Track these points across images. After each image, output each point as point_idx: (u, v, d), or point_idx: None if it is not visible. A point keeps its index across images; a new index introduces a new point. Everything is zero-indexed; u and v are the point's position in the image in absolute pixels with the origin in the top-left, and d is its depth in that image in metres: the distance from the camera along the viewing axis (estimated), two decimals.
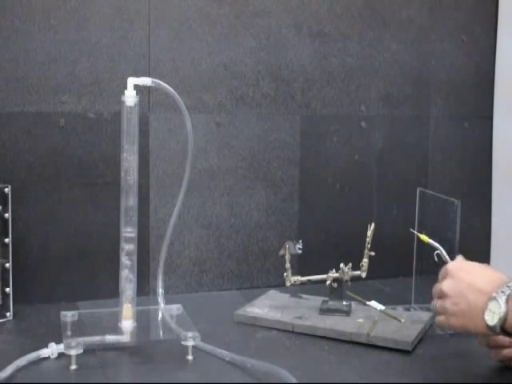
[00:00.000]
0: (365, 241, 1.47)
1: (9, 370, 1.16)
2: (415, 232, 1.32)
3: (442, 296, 1.10)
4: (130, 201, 1.28)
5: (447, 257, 1.24)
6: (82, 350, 1.21)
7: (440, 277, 1.14)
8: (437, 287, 1.13)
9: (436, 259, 1.24)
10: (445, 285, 1.10)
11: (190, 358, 1.25)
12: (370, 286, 1.66)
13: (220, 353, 1.26)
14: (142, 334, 1.32)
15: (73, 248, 1.57)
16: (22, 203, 1.51)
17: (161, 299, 1.39)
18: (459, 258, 1.17)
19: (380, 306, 1.50)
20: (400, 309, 1.50)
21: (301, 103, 1.74)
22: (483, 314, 1.02)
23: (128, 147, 1.27)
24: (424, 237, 1.28)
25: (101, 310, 1.40)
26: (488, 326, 1.02)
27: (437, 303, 1.12)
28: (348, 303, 1.48)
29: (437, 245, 1.26)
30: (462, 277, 1.08)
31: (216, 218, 1.69)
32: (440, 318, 1.11)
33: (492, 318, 1.01)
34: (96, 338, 1.25)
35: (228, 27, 1.66)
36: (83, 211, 1.57)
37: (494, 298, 1.00)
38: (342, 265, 1.46)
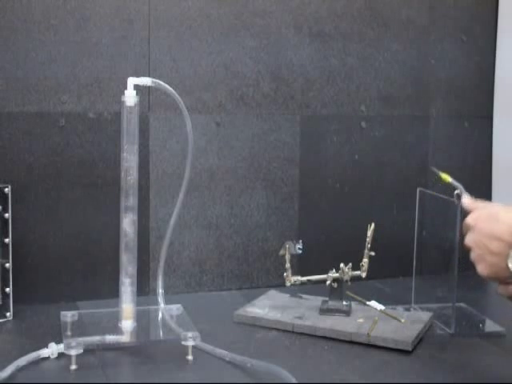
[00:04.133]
0: (365, 241, 1.47)
1: (9, 370, 1.16)
2: (436, 170, 1.30)
3: (469, 249, 1.12)
4: (129, 201, 1.28)
5: (466, 197, 1.23)
6: (81, 350, 1.21)
7: (463, 230, 1.15)
8: (464, 243, 1.15)
9: (455, 199, 1.24)
10: (467, 239, 1.12)
11: (190, 358, 1.25)
12: (370, 286, 1.66)
13: (220, 353, 1.26)
14: (142, 334, 1.32)
15: (73, 248, 1.57)
16: (22, 203, 1.51)
17: (161, 299, 1.39)
18: (473, 204, 1.17)
19: (380, 306, 1.50)
20: (400, 309, 1.50)
21: (301, 103, 1.74)
22: (506, 261, 1.05)
23: (128, 147, 1.27)
24: (445, 175, 1.27)
25: (101, 310, 1.40)
26: None
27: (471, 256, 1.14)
28: (348, 303, 1.48)
29: (457, 184, 1.26)
30: (480, 228, 1.10)
31: (216, 217, 1.69)
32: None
33: None
34: (96, 338, 1.25)
35: (228, 27, 1.66)
36: (83, 211, 1.57)
37: None
38: (342, 265, 1.46)
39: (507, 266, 1.05)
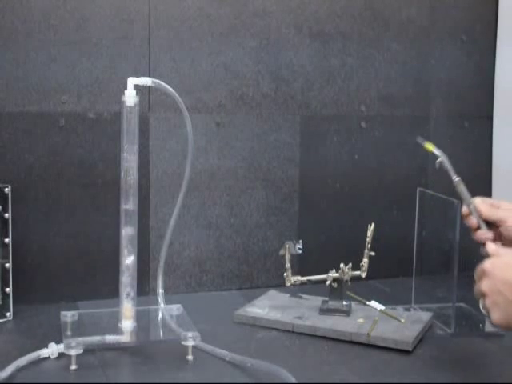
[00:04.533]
0: (365, 241, 1.47)
1: (9, 369, 1.16)
2: (421, 141, 1.31)
3: (483, 296, 1.11)
4: (129, 201, 1.28)
5: (450, 164, 1.23)
6: (81, 350, 1.21)
7: (476, 276, 1.14)
8: (476, 288, 1.13)
9: (437, 167, 1.25)
10: (483, 285, 1.11)
11: (190, 358, 1.25)
12: (370, 286, 1.66)
13: (220, 353, 1.26)
14: (142, 334, 1.32)
15: (73, 248, 1.57)
16: (22, 203, 1.51)
17: (161, 299, 1.40)
18: (493, 254, 1.16)
19: (380, 306, 1.50)
20: (400, 309, 1.50)
21: (301, 103, 1.74)
22: None
23: (128, 147, 1.27)
24: (429, 144, 1.28)
25: (101, 310, 1.40)
26: None
27: (482, 303, 1.13)
28: (348, 303, 1.48)
29: (441, 153, 1.26)
30: (496, 274, 1.09)
31: (216, 217, 1.69)
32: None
33: None
34: (96, 338, 1.25)
35: (228, 27, 1.66)
36: (83, 211, 1.57)
37: None
38: (342, 265, 1.46)
39: None
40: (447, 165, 1.25)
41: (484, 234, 1.20)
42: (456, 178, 1.26)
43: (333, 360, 1.27)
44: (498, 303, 1.07)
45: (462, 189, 1.25)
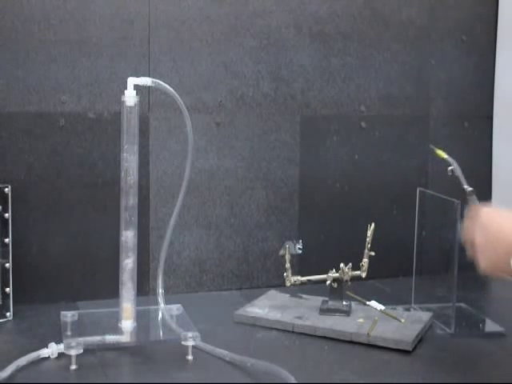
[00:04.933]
0: (365, 241, 1.47)
1: (9, 370, 1.16)
2: (433, 147, 1.32)
3: (472, 243, 1.14)
4: (129, 201, 1.28)
5: (461, 172, 1.24)
6: (81, 350, 1.21)
7: (466, 228, 1.16)
8: (465, 236, 1.16)
9: (449, 174, 1.26)
10: (472, 233, 1.13)
11: (190, 358, 1.25)
12: (370, 286, 1.66)
13: (220, 353, 1.26)
14: (142, 334, 1.32)
15: (73, 248, 1.57)
16: (22, 203, 1.51)
17: (161, 299, 1.39)
18: (479, 207, 1.19)
19: (380, 306, 1.50)
20: (400, 309, 1.50)
21: (301, 103, 1.74)
22: (509, 259, 1.06)
23: (128, 147, 1.27)
24: (440, 151, 1.29)
25: (101, 310, 1.40)
26: None
27: (469, 251, 1.15)
28: (348, 303, 1.48)
29: (452, 160, 1.27)
30: (485, 223, 1.12)
31: (216, 217, 1.69)
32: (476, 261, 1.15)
33: None
34: (96, 338, 1.25)
35: (228, 27, 1.66)
36: (83, 211, 1.57)
37: None
38: (342, 265, 1.46)
39: (508, 263, 1.06)
40: (459, 173, 1.25)
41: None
42: (468, 188, 1.25)
43: (333, 360, 1.27)
44: (485, 250, 1.10)
45: (474, 200, 1.25)
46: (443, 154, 1.29)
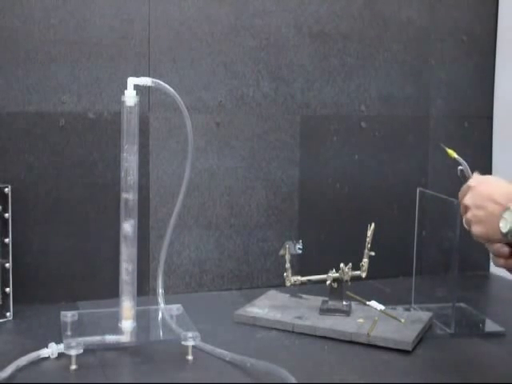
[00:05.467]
0: (365, 241, 1.47)
1: (9, 369, 1.16)
2: (443, 146, 1.33)
3: (466, 209, 1.16)
4: (130, 201, 1.28)
5: (470, 172, 1.26)
6: (81, 350, 1.21)
7: (461, 194, 1.19)
8: (461, 203, 1.19)
9: (459, 174, 1.28)
10: (466, 198, 1.16)
11: (190, 358, 1.25)
12: (370, 286, 1.66)
13: (220, 353, 1.26)
14: (142, 334, 1.32)
15: (73, 248, 1.57)
16: (22, 203, 1.51)
17: (161, 299, 1.39)
18: (476, 175, 1.23)
19: (380, 306, 1.50)
20: (400, 309, 1.50)
21: (301, 103, 1.74)
22: (499, 222, 1.08)
23: (128, 147, 1.27)
24: (451, 151, 1.30)
25: (101, 310, 1.40)
26: (502, 233, 1.08)
27: (464, 217, 1.17)
28: (348, 303, 1.48)
29: (462, 161, 1.28)
30: (481, 190, 1.14)
31: (216, 218, 1.69)
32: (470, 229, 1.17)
33: (505, 225, 1.07)
34: (96, 338, 1.25)
35: (228, 27, 1.66)
36: (83, 211, 1.57)
37: (509, 209, 1.07)
38: (342, 265, 1.46)
39: (498, 226, 1.08)
40: (468, 173, 1.26)
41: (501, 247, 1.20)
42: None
43: (333, 360, 1.27)
44: (479, 216, 1.12)
45: (469, 173, 1.26)
46: (454, 154, 1.30)
